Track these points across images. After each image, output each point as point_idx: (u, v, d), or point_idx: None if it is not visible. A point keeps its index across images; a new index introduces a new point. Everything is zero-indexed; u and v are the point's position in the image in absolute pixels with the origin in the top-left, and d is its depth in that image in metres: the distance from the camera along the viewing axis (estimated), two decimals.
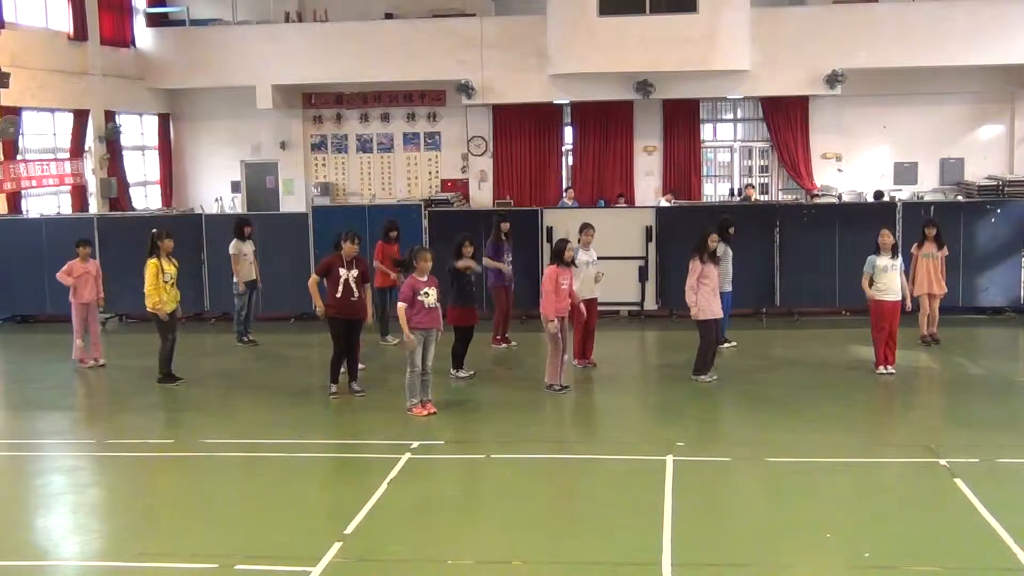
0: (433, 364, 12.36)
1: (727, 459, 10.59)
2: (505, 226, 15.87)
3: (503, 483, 10.19)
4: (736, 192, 28.24)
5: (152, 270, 13.89)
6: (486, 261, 15.52)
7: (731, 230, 15.11)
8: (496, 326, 16.02)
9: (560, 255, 13.11)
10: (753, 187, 26.58)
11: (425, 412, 12.22)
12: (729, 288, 14.96)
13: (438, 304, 12.24)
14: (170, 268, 14.05)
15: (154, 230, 14.31)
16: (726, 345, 15.27)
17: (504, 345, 16.03)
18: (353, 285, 13.00)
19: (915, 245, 15.59)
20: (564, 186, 28.06)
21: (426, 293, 12.10)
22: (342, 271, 12.98)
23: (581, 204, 26.39)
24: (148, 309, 14.05)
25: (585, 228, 14.37)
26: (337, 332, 13.18)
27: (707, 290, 13.39)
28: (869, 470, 10.35)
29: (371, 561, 8.25)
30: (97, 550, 8.76)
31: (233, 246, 16.55)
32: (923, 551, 8.21)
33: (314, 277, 13.36)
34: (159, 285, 13.89)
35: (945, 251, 15.65)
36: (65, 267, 15.40)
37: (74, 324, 15.44)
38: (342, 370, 13.38)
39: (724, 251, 14.61)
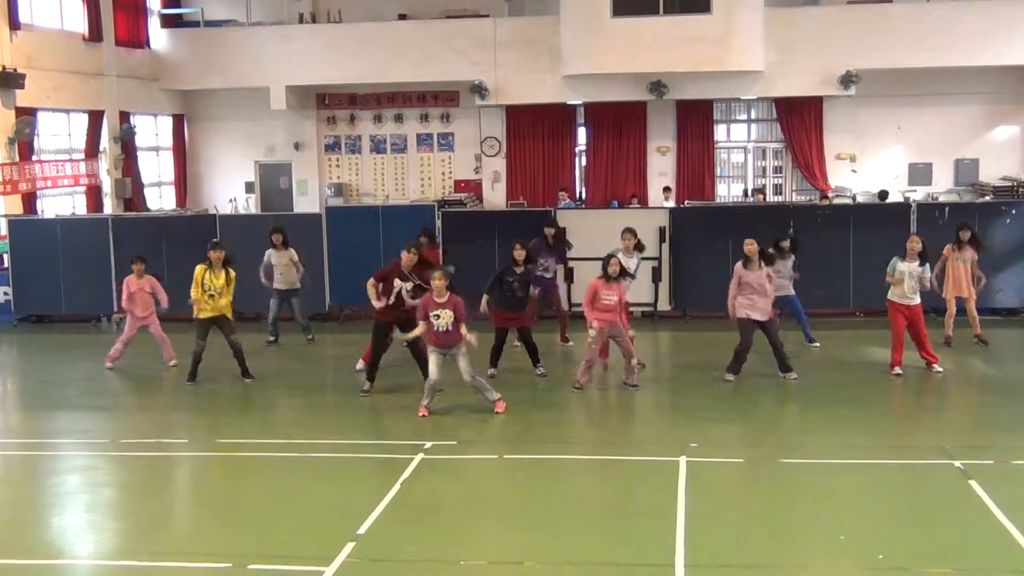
0: (473, 371, 12.27)
1: (740, 460, 10.58)
2: (549, 231, 15.79)
3: (516, 483, 10.19)
4: (749, 193, 28.20)
5: (196, 274, 13.96)
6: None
7: (783, 243, 15.19)
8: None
9: (604, 269, 13.07)
10: (762, 192, 26.50)
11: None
12: (791, 292, 15.29)
13: (451, 328, 12.01)
14: (215, 281, 13.95)
15: (213, 240, 14.50)
16: (814, 344, 15.71)
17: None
18: (405, 296, 12.92)
19: (948, 247, 15.38)
20: (576, 187, 28.20)
21: (436, 316, 12.00)
22: (398, 282, 12.93)
23: (594, 205, 26.51)
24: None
25: (624, 233, 14.39)
26: (379, 333, 13.24)
27: (747, 293, 13.42)
28: (883, 472, 10.32)
29: (384, 561, 8.26)
30: (111, 549, 8.79)
31: (266, 256, 16.69)
32: (937, 553, 8.19)
33: (372, 281, 13.06)
34: (198, 289, 13.92)
35: (974, 254, 15.44)
36: (124, 286, 15.34)
37: (126, 329, 15.49)
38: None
39: (783, 262, 14.99)
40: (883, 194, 24.02)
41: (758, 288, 13.41)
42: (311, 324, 17.33)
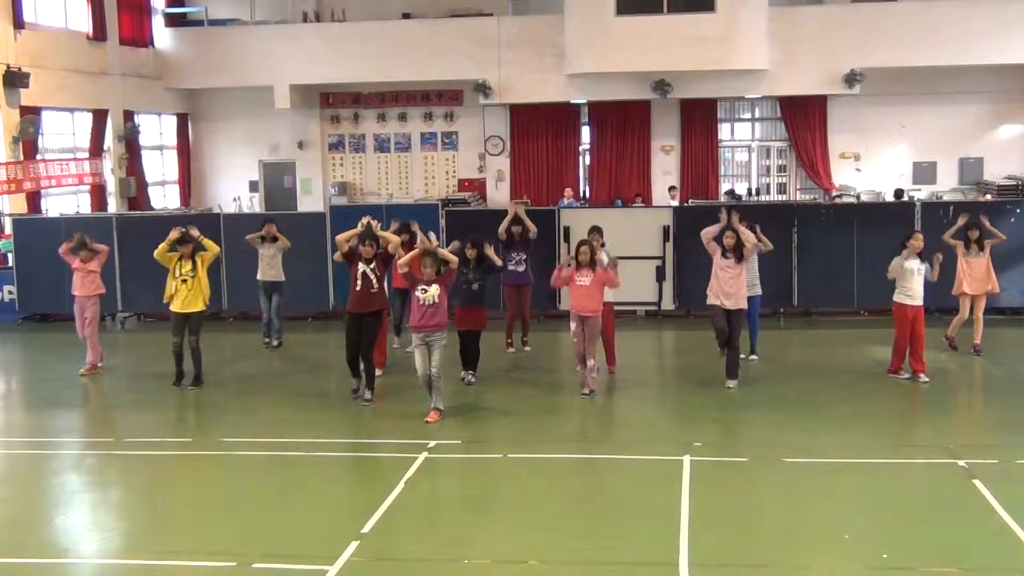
0: (440, 371, 12.00)
1: (744, 459, 10.57)
2: (516, 229, 15.43)
3: (520, 483, 10.19)
4: (755, 192, 28.27)
5: (170, 262, 13.91)
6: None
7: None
8: (507, 329, 15.77)
9: (576, 256, 12.92)
10: (731, 194, 26.38)
11: (434, 418, 11.97)
12: (757, 292, 14.41)
13: (436, 302, 11.82)
14: (183, 267, 13.87)
15: (182, 229, 14.24)
16: (752, 358, 14.84)
17: (511, 349, 15.71)
18: (372, 277, 12.69)
19: (959, 245, 14.97)
20: (580, 186, 28.24)
21: (423, 289, 11.82)
22: (360, 265, 12.71)
23: (598, 204, 26.51)
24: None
25: (591, 232, 13.97)
26: (348, 328, 12.92)
27: (722, 278, 13.13)
28: (887, 471, 10.31)
29: (388, 560, 8.26)
30: (115, 548, 8.82)
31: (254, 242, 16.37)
32: (941, 553, 8.19)
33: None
34: (171, 277, 13.88)
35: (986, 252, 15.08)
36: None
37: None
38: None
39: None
40: (899, 193, 23.97)
41: (733, 275, 13.10)
42: (283, 330, 16.86)
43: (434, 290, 11.86)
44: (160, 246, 13.88)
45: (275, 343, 16.66)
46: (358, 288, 12.75)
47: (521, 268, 15.37)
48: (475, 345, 13.81)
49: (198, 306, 14.02)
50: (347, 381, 13.32)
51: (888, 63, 25.15)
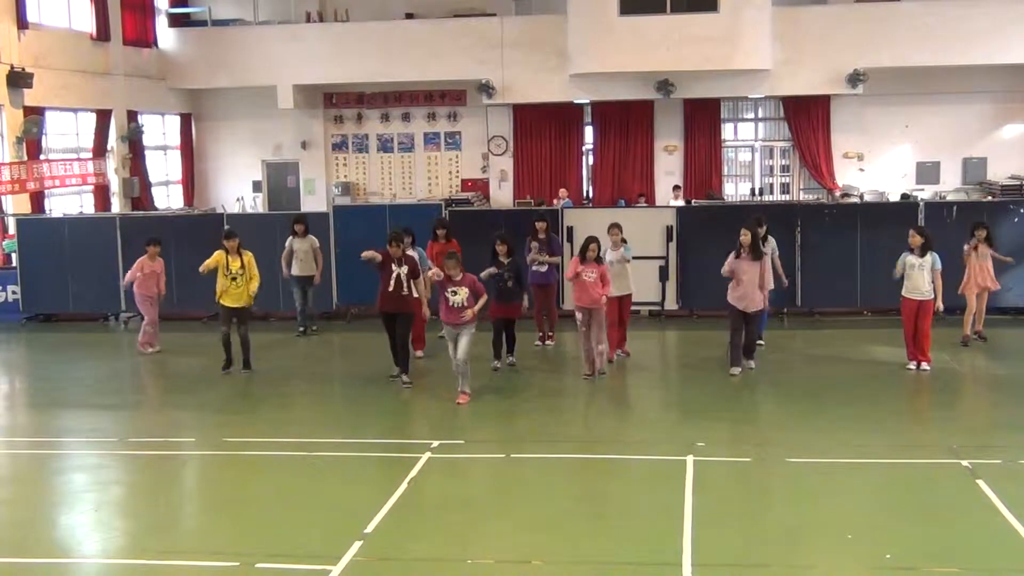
0: (467, 357, 12.60)
1: (748, 459, 10.57)
2: (540, 225, 15.80)
3: (523, 483, 10.19)
4: (758, 192, 28.26)
5: (216, 257, 14.31)
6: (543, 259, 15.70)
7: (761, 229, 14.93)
8: (537, 324, 16.05)
9: (583, 251, 13.47)
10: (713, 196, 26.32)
11: (464, 400, 12.62)
12: (770, 286, 14.57)
13: (466, 303, 12.45)
14: (233, 264, 14.31)
15: (226, 227, 15.08)
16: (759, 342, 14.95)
17: (538, 344, 15.97)
18: (404, 281, 13.27)
19: (967, 247, 15.38)
20: (583, 186, 28.20)
21: (453, 292, 12.45)
22: (394, 267, 13.26)
23: (601, 204, 26.52)
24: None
25: (610, 228, 14.59)
26: (386, 324, 13.62)
27: (742, 281, 13.56)
28: (890, 471, 10.30)
29: (391, 560, 8.27)
30: (119, 548, 8.82)
31: (287, 243, 17.14)
32: (944, 553, 8.18)
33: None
34: (221, 275, 14.28)
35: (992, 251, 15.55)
36: (137, 267, 15.96)
37: (146, 313, 16.17)
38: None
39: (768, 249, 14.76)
40: (906, 195, 23.94)
41: (750, 278, 13.57)
42: (311, 322, 17.64)
43: (463, 292, 12.48)
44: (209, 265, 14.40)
45: (302, 329, 17.42)
46: (390, 289, 13.33)
47: (544, 269, 15.72)
48: (512, 330, 14.49)
49: (245, 302, 14.50)
50: (351, 381, 13.37)
51: (891, 63, 25.15)
